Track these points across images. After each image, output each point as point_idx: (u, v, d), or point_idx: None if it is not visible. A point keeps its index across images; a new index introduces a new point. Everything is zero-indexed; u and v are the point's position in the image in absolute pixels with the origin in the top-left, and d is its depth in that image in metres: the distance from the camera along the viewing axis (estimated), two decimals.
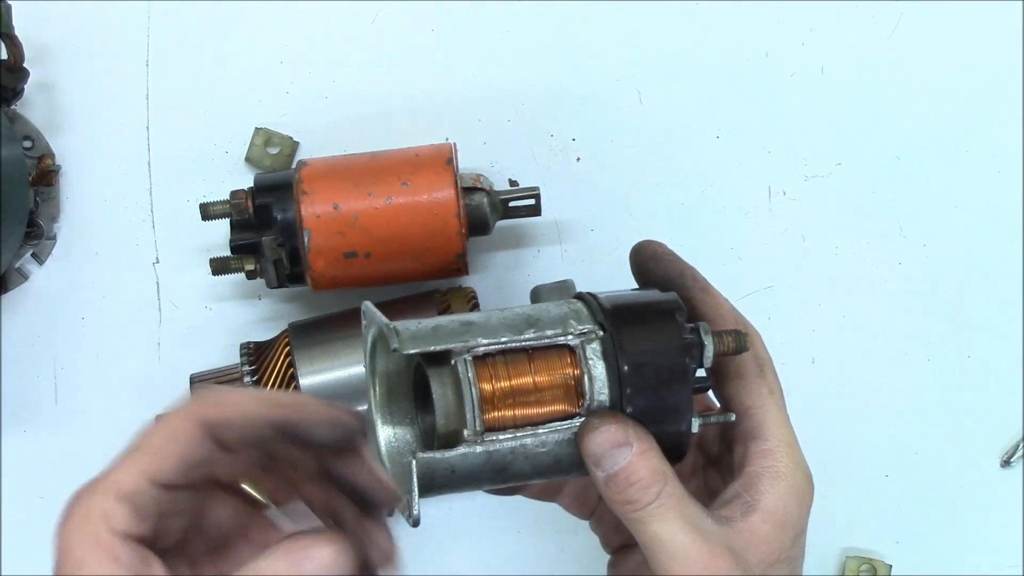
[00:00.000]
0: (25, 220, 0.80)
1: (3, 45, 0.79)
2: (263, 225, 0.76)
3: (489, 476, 0.56)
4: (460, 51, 0.85)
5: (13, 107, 0.83)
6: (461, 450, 0.55)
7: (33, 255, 0.85)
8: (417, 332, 0.55)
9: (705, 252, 0.85)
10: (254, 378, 0.76)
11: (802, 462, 0.60)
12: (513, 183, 0.84)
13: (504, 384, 0.56)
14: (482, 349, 0.55)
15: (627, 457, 0.56)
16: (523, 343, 0.56)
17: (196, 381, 0.78)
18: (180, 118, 0.85)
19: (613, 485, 0.56)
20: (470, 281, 0.84)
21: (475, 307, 0.78)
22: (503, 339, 0.56)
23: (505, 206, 0.79)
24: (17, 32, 0.79)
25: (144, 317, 0.85)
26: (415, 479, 0.54)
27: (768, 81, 0.86)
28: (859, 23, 0.86)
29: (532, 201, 0.80)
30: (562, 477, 0.59)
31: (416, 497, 0.54)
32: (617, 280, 0.83)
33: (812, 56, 0.86)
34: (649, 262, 0.64)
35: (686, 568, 0.55)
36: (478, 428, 0.55)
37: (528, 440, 0.56)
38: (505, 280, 0.86)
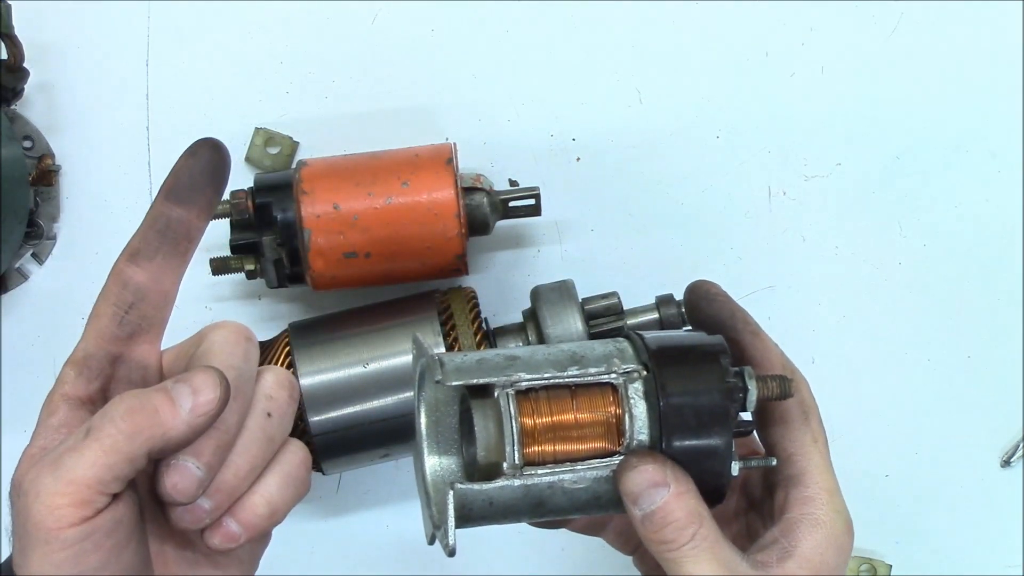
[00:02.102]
0: (25, 220, 0.81)
1: (3, 45, 0.79)
2: (263, 225, 0.76)
3: (527, 510, 0.56)
4: (460, 51, 0.85)
5: (13, 107, 0.83)
6: (499, 483, 0.55)
7: (33, 255, 0.85)
8: (462, 365, 0.56)
9: (705, 252, 0.86)
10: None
11: (843, 511, 0.60)
12: (513, 183, 0.84)
13: (545, 419, 0.56)
14: (525, 384, 0.56)
15: (664, 497, 0.56)
16: (566, 380, 0.57)
17: None
18: (180, 118, 0.85)
19: (649, 524, 0.56)
20: (470, 281, 0.84)
21: (475, 307, 0.78)
22: (546, 375, 0.56)
23: (505, 206, 0.79)
24: (17, 32, 0.79)
25: None
26: (451, 509, 0.54)
27: (768, 81, 0.86)
28: (859, 23, 0.86)
29: (532, 201, 0.80)
30: (600, 513, 0.59)
31: (452, 527, 0.54)
32: (617, 280, 0.83)
33: (812, 56, 0.86)
34: (701, 301, 0.64)
35: None
36: (517, 462, 0.55)
37: (566, 476, 0.56)
38: (505, 280, 0.86)
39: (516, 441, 0.55)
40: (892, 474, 0.86)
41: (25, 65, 0.80)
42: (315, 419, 0.75)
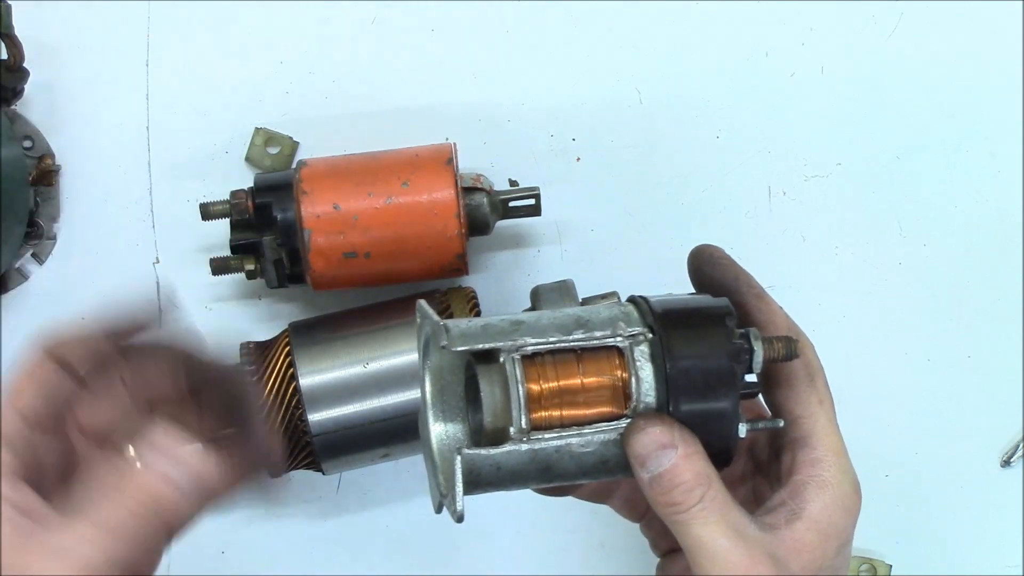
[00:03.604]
0: (25, 220, 0.80)
1: (3, 45, 0.79)
2: (263, 225, 0.76)
3: (535, 475, 0.56)
4: (460, 51, 0.86)
5: (13, 107, 0.83)
6: (506, 448, 0.55)
7: (33, 255, 0.85)
8: (467, 330, 0.56)
9: None
10: (254, 377, 0.76)
11: (850, 471, 0.60)
12: (513, 183, 0.84)
13: (552, 384, 0.56)
14: (531, 348, 0.56)
15: (671, 459, 0.56)
16: (572, 343, 0.56)
17: None
18: (180, 118, 0.85)
19: (657, 487, 0.56)
20: (470, 281, 0.84)
21: (475, 307, 0.78)
22: (552, 339, 0.56)
23: (505, 206, 0.79)
24: (17, 32, 0.79)
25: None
26: (459, 475, 0.54)
27: (768, 81, 0.86)
28: (859, 23, 0.86)
29: (532, 201, 0.80)
30: (608, 478, 0.59)
31: (460, 492, 0.54)
32: (617, 280, 0.83)
33: (812, 56, 0.86)
34: (705, 266, 0.64)
35: (726, 571, 0.55)
36: (524, 427, 0.55)
37: (574, 440, 0.56)
38: (505, 280, 0.86)
39: (523, 406, 0.54)
40: (892, 474, 0.86)
41: (25, 65, 0.80)
42: (315, 419, 0.75)
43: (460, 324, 0.56)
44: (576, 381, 0.56)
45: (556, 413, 0.56)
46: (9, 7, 0.79)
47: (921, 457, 0.86)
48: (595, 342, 0.57)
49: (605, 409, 0.57)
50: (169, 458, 0.52)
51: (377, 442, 0.76)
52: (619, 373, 0.57)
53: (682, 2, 0.86)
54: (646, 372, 0.57)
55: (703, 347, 0.57)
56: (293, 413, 0.75)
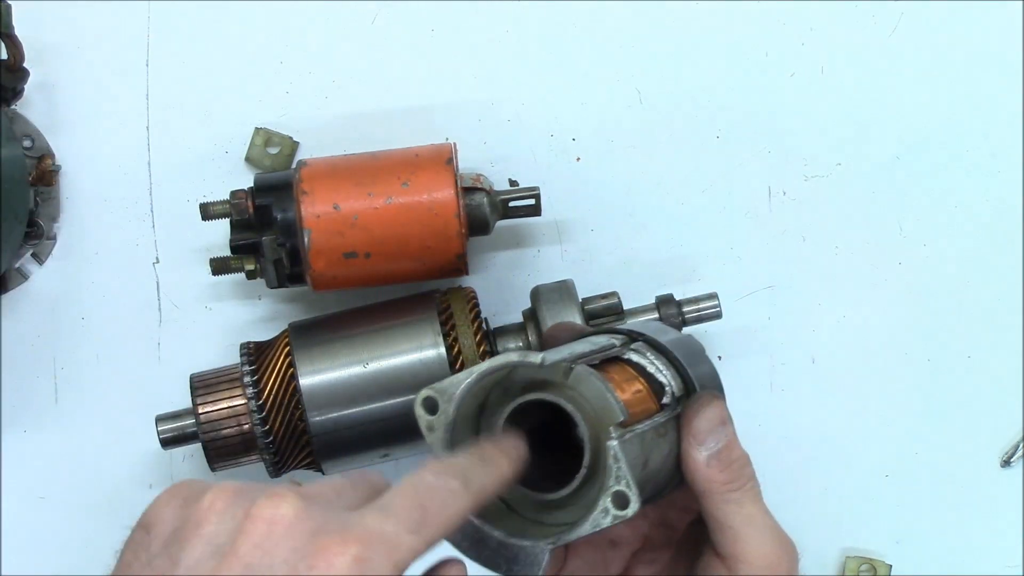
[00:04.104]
0: (25, 220, 0.80)
1: (3, 45, 0.79)
2: (263, 225, 0.76)
3: (640, 473, 0.55)
4: (460, 51, 0.85)
5: (13, 107, 0.83)
6: (626, 435, 0.54)
7: (33, 255, 0.85)
8: (546, 356, 0.55)
9: (705, 252, 0.86)
10: (254, 378, 0.76)
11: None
12: (513, 183, 0.84)
13: (615, 389, 0.56)
14: (585, 360, 0.57)
15: (728, 435, 0.58)
16: (595, 359, 0.58)
17: (196, 381, 0.77)
18: (180, 118, 0.85)
19: (716, 463, 0.57)
20: (470, 281, 0.83)
21: (475, 307, 0.77)
22: (585, 352, 0.58)
23: (505, 206, 0.79)
24: (17, 32, 0.79)
25: (144, 317, 0.85)
26: (625, 463, 0.53)
27: (768, 81, 0.86)
28: (859, 23, 0.86)
29: (532, 201, 0.80)
30: (663, 483, 0.59)
31: (634, 482, 0.52)
32: (617, 280, 0.83)
33: (812, 56, 0.86)
34: (562, 334, 0.68)
35: (775, 547, 0.57)
36: (625, 416, 0.54)
37: (655, 422, 0.57)
38: (505, 280, 0.85)
39: (615, 396, 0.55)
40: (892, 474, 0.86)
41: (25, 65, 0.80)
42: (315, 419, 0.75)
43: (537, 356, 0.55)
44: (621, 388, 0.57)
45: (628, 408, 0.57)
46: (9, 7, 0.79)
47: (921, 457, 0.86)
48: (599, 356, 0.59)
49: (647, 408, 0.58)
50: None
51: (377, 442, 0.76)
52: (640, 377, 0.59)
53: (682, 2, 0.86)
54: (661, 362, 0.59)
55: (677, 336, 0.63)
56: (293, 413, 0.75)
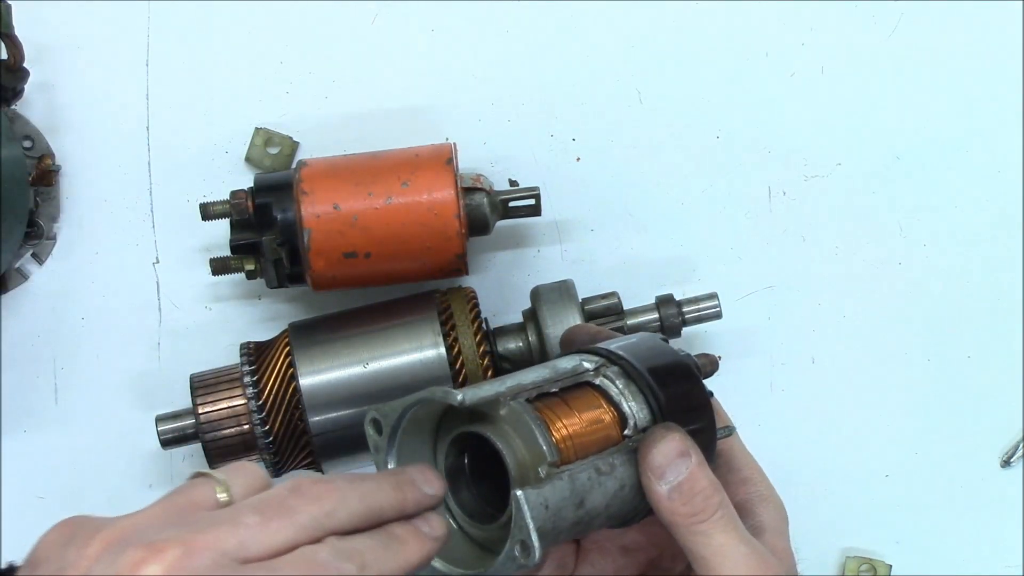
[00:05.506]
0: (25, 220, 0.80)
1: (3, 45, 0.79)
2: (263, 225, 0.76)
3: (572, 510, 0.55)
4: (460, 51, 0.85)
5: (13, 107, 0.83)
6: (549, 483, 0.53)
7: (33, 255, 0.85)
8: (472, 393, 0.55)
9: (705, 252, 0.86)
10: (254, 378, 0.76)
11: (770, 482, 0.63)
12: (513, 183, 0.84)
13: (557, 423, 0.56)
14: (526, 394, 0.56)
15: (689, 467, 0.56)
16: (554, 386, 0.58)
17: (196, 381, 0.77)
18: (180, 118, 0.85)
19: (678, 497, 0.56)
20: (470, 281, 0.83)
21: (475, 307, 0.77)
22: (538, 380, 0.57)
23: (505, 206, 0.79)
24: (17, 32, 0.79)
25: (144, 317, 0.85)
26: (527, 515, 0.52)
27: (768, 81, 0.86)
28: (859, 23, 0.86)
29: (532, 201, 0.80)
30: (623, 516, 0.58)
31: (533, 529, 0.52)
32: (617, 280, 0.83)
33: (812, 56, 0.86)
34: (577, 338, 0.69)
35: (750, 573, 0.56)
36: (554, 457, 0.54)
37: (599, 462, 0.56)
38: (505, 280, 0.86)
39: (546, 437, 0.54)
40: (892, 474, 0.86)
41: (25, 65, 0.80)
42: (315, 419, 0.75)
43: (457, 393, 0.55)
44: (575, 419, 0.57)
45: (569, 444, 0.56)
46: (9, 7, 0.79)
47: (921, 457, 0.86)
48: (569, 381, 0.58)
49: (608, 437, 0.57)
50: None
51: None
52: (606, 405, 0.58)
53: (682, 2, 0.86)
54: (631, 389, 0.58)
55: (664, 359, 0.60)
56: (293, 413, 0.75)
